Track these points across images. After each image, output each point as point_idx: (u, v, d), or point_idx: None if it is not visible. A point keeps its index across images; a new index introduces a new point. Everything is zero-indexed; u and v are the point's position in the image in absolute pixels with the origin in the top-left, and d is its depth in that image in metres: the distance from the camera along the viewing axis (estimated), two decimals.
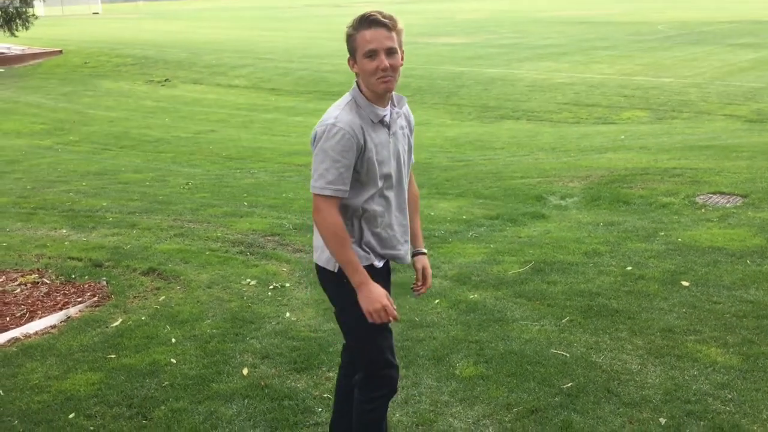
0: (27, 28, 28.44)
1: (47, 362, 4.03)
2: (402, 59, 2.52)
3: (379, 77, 2.46)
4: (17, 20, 27.87)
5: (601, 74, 21.38)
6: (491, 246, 5.91)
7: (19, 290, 5.12)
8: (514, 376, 3.71)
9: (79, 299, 4.94)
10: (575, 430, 3.22)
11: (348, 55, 2.55)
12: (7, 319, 4.66)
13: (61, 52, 30.33)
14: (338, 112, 2.49)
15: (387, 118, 2.58)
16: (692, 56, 24.05)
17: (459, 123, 17.08)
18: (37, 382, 3.81)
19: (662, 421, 3.27)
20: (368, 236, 2.60)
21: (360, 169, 2.50)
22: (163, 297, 4.94)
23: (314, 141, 2.50)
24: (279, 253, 5.87)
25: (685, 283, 4.87)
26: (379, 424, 2.76)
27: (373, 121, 2.52)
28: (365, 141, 2.48)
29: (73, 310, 4.74)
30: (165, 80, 24.58)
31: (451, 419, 3.36)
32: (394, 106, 2.62)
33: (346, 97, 2.57)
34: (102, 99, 21.81)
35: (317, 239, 2.65)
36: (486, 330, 4.27)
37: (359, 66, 2.49)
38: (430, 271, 2.90)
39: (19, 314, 4.72)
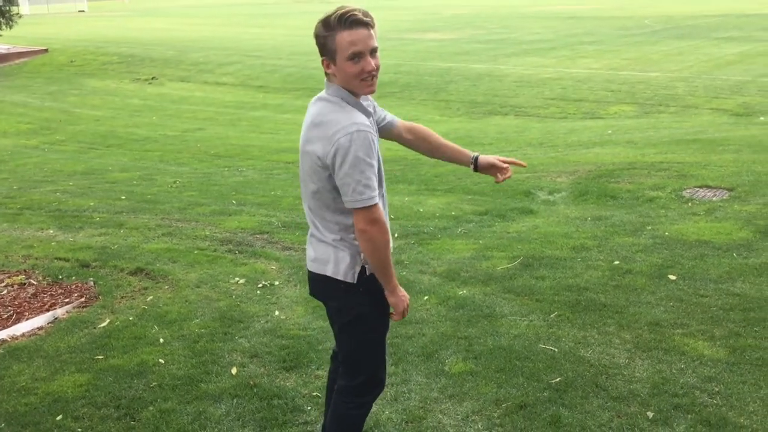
0: (11, 27, 28.21)
1: (34, 364, 4.01)
2: None
3: (363, 79, 2.35)
4: (1, 19, 27.63)
5: (587, 69, 21.45)
6: (480, 242, 5.92)
7: (5, 292, 5.08)
8: (503, 372, 3.72)
9: (66, 300, 4.92)
10: (564, 425, 3.24)
11: (321, 56, 2.40)
12: None
13: (46, 50, 30.11)
14: (349, 116, 2.35)
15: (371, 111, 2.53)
16: (678, 50, 24.16)
17: (447, 119, 17.08)
18: (24, 384, 3.79)
19: (650, 414, 3.29)
20: None
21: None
22: (151, 297, 4.92)
23: (340, 153, 2.31)
24: (268, 252, 5.85)
25: (672, 277, 4.90)
26: (362, 422, 2.78)
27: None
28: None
29: (60, 311, 4.71)
30: (152, 78, 24.45)
31: (440, 416, 3.37)
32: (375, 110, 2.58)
33: (335, 100, 2.41)
34: (88, 98, 21.68)
35: (327, 251, 2.52)
36: (475, 326, 4.28)
37: (339, 68, 2.35)
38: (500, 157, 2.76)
39: (5, 316, 4.69)
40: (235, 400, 3.55)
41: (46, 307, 4.82)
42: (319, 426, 3.31)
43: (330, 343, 4.11)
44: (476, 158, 2.78)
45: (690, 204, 6.76)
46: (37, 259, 5.73)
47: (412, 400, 3.50)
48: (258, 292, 4.98)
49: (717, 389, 3.48)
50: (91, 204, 7.70)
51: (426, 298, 4.73)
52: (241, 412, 3.44)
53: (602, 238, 5.84)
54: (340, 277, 2.52)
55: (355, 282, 2.52)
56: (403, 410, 3.41)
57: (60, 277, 5.32)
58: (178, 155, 12.64)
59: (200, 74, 24.70)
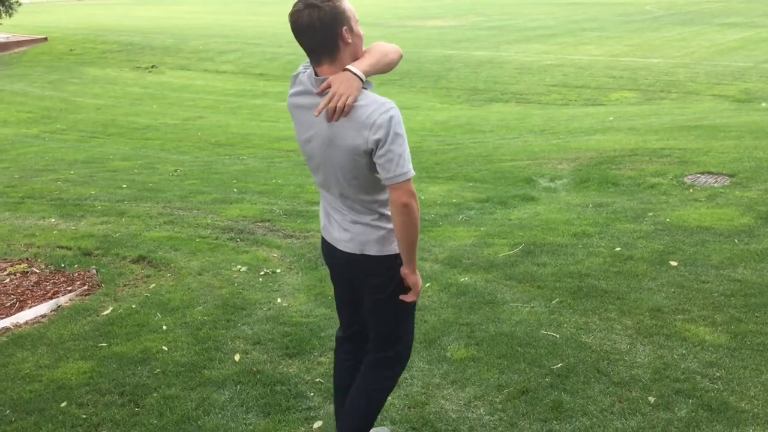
0: (11, 15, 28.10)
1: (38, 351, 4.03)
2: None
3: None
4: (1, 7, 27.53)
5: (589, 56, 21.37)
6: (481, 229, 5.93)
7: (8, 280, 5.10)
8: (505, 358, 3.73)
9: (69, 288, 4.93)
10: (565, 410, 3.25)
11: (339, 30, 2.35)
12: None
13: (46, 39, 30.01)
14: (374, 98, 2.37)
15: None
16: (680, 36, 24.07)
17: (448, 106, 17.04)
18: (28, 371, 3.81)
19: (651, 399, 3.30)
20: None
21: None
22: (154, 285, 4.94)
23: (381, 133, 2.32)
24: (269, 239, 5.86)
25: (674, 263, 4.90)
26: (386, 396, 2.88)
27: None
28: None
29: (63, 299, 4.73)
30: (152, 67, 24.38)
31: (442, 401, 3.38)
32: None
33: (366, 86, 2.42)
34: (88, 86, 21.63)
35: (367, 231, 2.54)
36: (477, 312, 4.29)
37: (356, 33, 2.41)
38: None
39: (8, 304, 4.71)
40: (238, 387, 3.57)
41: (49, 295, 4.83)
42: (322, 411, 3.33)
43: (332, 330, 4.12)
44: None
45: (691, 190, 6.76)
46: (39, 247, 5.74)
47: (414, 386, 3.51)
48: (260, 279, 4.99)
49: (718, 374, 3.49)
50: (93, 192, 7.71)
51: (428, 285, 4.74)
52: (244, 399, 3.46)
53: (603, 224, 5.85)
54: (385, 254, 2.55)
55: (396, 253, 2.55)
56: (405, 396, 3.43)
57: (62, 265, 5.33)
58: (179, 144, 12.63)
59: (200, 62, 24.63)
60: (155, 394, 3.52)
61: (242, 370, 3.72)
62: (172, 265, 5.29)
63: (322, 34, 2.34)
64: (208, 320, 4.33)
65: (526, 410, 3.27)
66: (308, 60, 2.50)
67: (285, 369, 3.73)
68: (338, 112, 2.35)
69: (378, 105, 2.35)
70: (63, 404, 3.47)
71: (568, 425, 3.15)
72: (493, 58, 21.78)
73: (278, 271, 5.14)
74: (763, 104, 14.17)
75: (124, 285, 4.96)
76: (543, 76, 18.98)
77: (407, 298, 2.62)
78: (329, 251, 2.72)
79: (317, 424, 3.24)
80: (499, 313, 4.28)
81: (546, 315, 4.22)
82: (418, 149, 10.23)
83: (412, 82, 19.48)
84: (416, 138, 11.73)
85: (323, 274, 5.03)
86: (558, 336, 3.95)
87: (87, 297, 4.78)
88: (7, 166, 10.16)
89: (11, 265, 5.34)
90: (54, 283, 5.04)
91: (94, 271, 5.20)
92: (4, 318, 4.49)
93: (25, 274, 5.19)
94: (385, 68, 2.52)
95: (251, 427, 3.24)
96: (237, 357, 3.86)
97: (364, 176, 2.45)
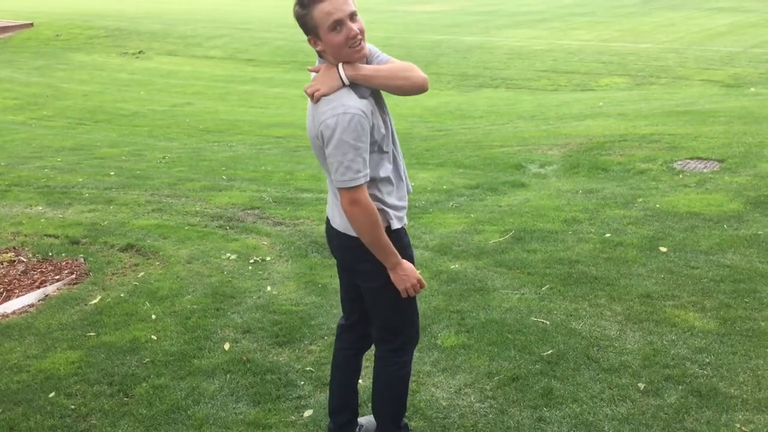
0: None
1: (26, 341, 4.00)
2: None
3: (350, 46, 2.34)
4: None
5: (579, 41, 21.34)
6: (472, 215, 5.92)
7: None
8: (495, 345, 3.74)
9: (57, 277, 4.89)
10: (556, 397, 3.26)
11: (306, 35, 2.39)
12: None
13: (31, 24, 29.66)
14: (339, 97, 2.35)
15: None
16: (670, 21, 24.06)
17: (438, 92, 16.98)
18: (16, 361, 3.78)
19: (641, 386, 3.31)
20: (392, 200, 2.57)
21: (374, 143, 2.43)
22: (142, 273, 4.90)
23: (326, 134, 2.34)
24: (259, 227, 5.83)
25: (663, 249, 4.91)
26: (409, 378, 2.85)
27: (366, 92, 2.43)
28: (372, 115, 2.40)
29: (50, 288, 4.69)
30: (139, 52, 24.16)
31: (433, 389, 3.38)
32: (371, 62, 2.52)
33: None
34: (75, 72, 21.42)
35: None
36: (467, 300, 4.29)
37: (326, 42, 2.35)
38: None
39: None
40: (228, 376, 3.55)
41: (37, 284, 4.80)
42: (312, 400, 3.32)
43: (323, 318, 4.12)
44: None
45: (681, 176, 6.77)
46: (26, 236, 5.69)
47: None
48: (250, 267, 4.96)
49: (707, 360, 3.50)
50: (80, 180, 7.64)
51: (418, 272, 4.72)
52: (234, 388, 3.45)
53: (593, 210, 5.85)
54: None
55: None
56: None
57: (50, 254, 5.29)
58: (167, 130, 12.54)
59: (188, 48, 24.43)
60: (144, 384, 3.51)
61: (232, 359, 3.70)
62: (160, 253, 5.26)
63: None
64: (197, 309, 4.31)
65: (517, 397, 3.28)
66: None
67: (275, 357, 3.72)
68: (309, 98, 2.43)
69: (335, 106, 2.34)
70: (51, 394, 3.44)
71: (558, 412, 3.16)
72: (482, 44, 21.72)
73: (268, 258, 5.12)
74: (752, 89, 14.20)
75: (113, 274, 4.93)
76: (533, 62, 18.95)
77: (401, 292, 2.61)
78: (327, 232, 2.73)
79: (308, 413, 3.23)
80: (490, 300, 4.27)
81: (536, 302, 4.22)
82: (408, 135, 10.20)
83: None
84: (406, 124, 11.68)
85: (313, 262, 5.01)
86: (548, 323, 3.95)
87: (75, 286, 4.74)
88: None
89: None
90: (41, 272, 5.00)
91: (82, 260, 5.16)
92: None
93: (12, 263, 5.15)
94: (391, 89, 2.47)
95: (241, 417, 3.23)
96: (227, 346, 3.85)
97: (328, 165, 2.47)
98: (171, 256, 5.19)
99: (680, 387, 3.29)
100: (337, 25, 2.31)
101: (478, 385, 3.39)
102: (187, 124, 13.09)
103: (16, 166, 8.77)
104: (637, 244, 5.03)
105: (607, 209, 5.86)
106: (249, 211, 6.28)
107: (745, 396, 3.21)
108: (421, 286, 2.62)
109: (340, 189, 2.40)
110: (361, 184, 2.38)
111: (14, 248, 5.44)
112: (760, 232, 5.12)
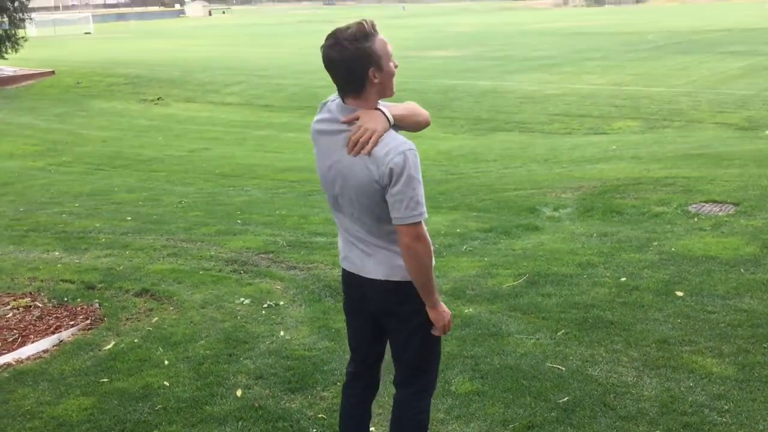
0: (17, 51, 28.47)
1: (39, 387, 4.00)
2: None
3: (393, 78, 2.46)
4: (6, 43, 27.89)
5: (591, 85, 21.48)
6: (485, 259, 5.90)
7: (11, 314, 5.08)
8: (510, 392, 3.69)
9: (72, 323, 4.91)
10: None
11: (365, 69, 2.38)
12: None
13: (53, 72, 30.36)
14: (395, 136, 2.41)
15: None
16: (682, 65, 24.20)
17: (452, 136, 17.11)
18: (29, 408, 3.78)
19: None
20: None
21: None
22: (156, 318, 4.91)
23: (396, 172, 2.36)
24: (273, 271, 5.84)
25: (680, 293, 4.86)
26: (427, 425, 2.84)
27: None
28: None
29: (65, 334, 4.71)
30: (158, 99, 24.62)
31: None
32: None
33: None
34: (95, 119, 21.82)
35: (394, 258, 2.55)
36: (481, 345, 4.25)
37: (386, 72, 2.42)
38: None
39: (11, 339, 4.69)
40: (240, 423, 3.52)
41: (52, 329, 4.81)
42: None
43: (335, 364, 4.09)
44: None
45: (696, 219, 6.73)
46: (42, 281, 5.74)
47: None
48: (263, 312, 4.96)
49: (726, 407, 3.44)
50: (97, 225, 7.72)
51: None
52: None
53: (608, 254, 5.82)
54: (409, 279, 2.55)
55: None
56: None
57: (65, 299, 5.32)
58: (184, 175, 12.68)
59: (206, 94, 24.86)
60: (156, 431, 3.48)
61: (244, 406, 3.68)
62: (174, 298, 5.28)
63: (347, 72, 2.39)
64: (210, 354, 4.30)
65: None
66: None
67: (287, 404, 3.69)
68: (360, 145, 2.39)
69: (397, 144, 2.39)
70: None
71: None
72: (496, 88, 21.92)
73: (281, 303, 5.11)
74: (767, 132, 14.18)
75: (127, 319, 4.94)
76: (546, 106, 19.07)
77: (434, 332, 2.64)
78: (350, 281, 2.71)
79: None
80: (504, 345, 4.24)
81: (551, 347, 4.18)
82: (422, 179, 10.24)
83: None
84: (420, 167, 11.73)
85: (327, 306, 5.00)
86: (564, 369, 3.90)
87: (89, 331, 4.75)
88: (12, 199, 10.20)
89: (14, 299, 5.32)
90: (57, 317, 5.02)
91: (97, 305, 5.18)
92: (6, 353, 4.47)
93: (28, 308, 5.18)
94: (412, 125, 2.56)
95: None
96: (239, 392, 3.83)
97: (381, 208, 2.47)
98: (185, 301, 5.20)
99: None
100: (391, 55, 2.43)
101: None
102: (203, 169, 13.24)
103: (35, 211, 8.88)
104: (653, 289, 4.98)
105: (622, 253, 5.83)
106: (263, 256, 6.30)
107: None
108: (450, 324, 2.68)
109: (403, 226, 2.41)
110: (425, 219, 2.44)
111: (30, 293, 5.47)
112: None
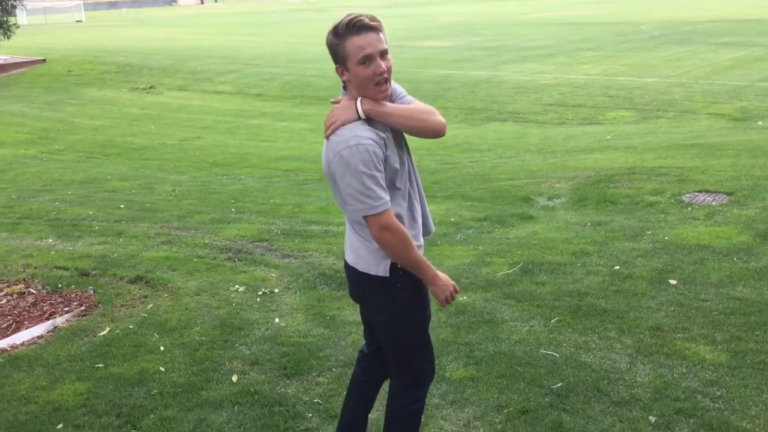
0: (9, 38, 28.26)
1: (34, 373, 4.00)
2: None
3: (376, 83, 2.39)
4: None
5: (585, 75, 21.48)
6: (480, 248, 5.92)
7: (5, 301, 5.08)
8: (504, 378, 3.71)
9: (66, 309, 4.91)
10: (565, 430, 3.23)
11: (335, 63, 2.46)
12: None
13: (44, 60, 30.15)
14: (353, 130, 2.38)
15: None
16: (676, 56, 24.22)
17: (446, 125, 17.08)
18: (24, 392, 3.78)
19: (652, 419, 3.28)
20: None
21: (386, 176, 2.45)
22: (151, 305, 4.91)
23: (343, 165, 2.36)
24: (267, 259, 5.85)
25: (673, 282, 4.89)
26: (422, 414, 2.81)
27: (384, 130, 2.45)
28: (386, 147, 2.43)
29: (60, 320, 4.70)
30: (150, 87, 24.48)
31: (442, 422, 3.36)
32: (394, 101, 2.56)
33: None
34: (86, 107, 21.69)
35: (360, 247, 2.56)
36: (476, 332, 4.27)
37: (353, 73, 2.40)
38: None
39: (5, 325, 4.68)
40: (236, 408, 3.54)
41: (46, 315, 4.81)
42: None
43: (330, 350, 4.11)
44: None
45: (689, 208, 6.76)
46: (36, 268, 5.72)
47: None
48: (258, 299, 4.97)
49: (719, 393, 3.47)
50: (90, 213, 7.70)
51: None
52: (242, 420, 3.43)
53: (602, 243, 5.84)
54: (372, 272, 2.55)
55: (387, 275, 2.54)
56: None
57: (59, 285, 5.31)
58: (177, 164, 12.64)
59: (198, 83, 24.73)
60: (152, 416, 3.49)
61: (240, 391, 3.69)
62: (169, 285, 5.27)
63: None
64: (205, 340, 4.31)
65: (526, 431, 3.25)
66: None
67: (283, 389, 3.71)
68: (325, 129, 2.45)
69: (349, 137, 2.36)
70: (59, 426, 3.43)
71: None
72: (490, 78, 21.90)
73: (276, 290, 5.12)
74: (760, 123, 14.24)
75: (122, 305, 4.94)
76: (540, 96, 19.07)
77: (439, 303, 2.61)
78: (345, 265, 2.75)
79: None
80: (498, 332, 4.26)
81: (545, 334, 4.21)
82: (416, 168, 10.23)
83: None
84: (414, 157, 11.72)
85: (321, 294, 5.01)
86: (557, 355, 3.93)
87: (84, 317, 4.75)
88: (4, 186, 10.16)
89: (8, 286, 5.31)
90: (51, 303, 5.01)
91: (92, 292, 5.18)
92: (0, 339, 4.46)
93: (22, 294, 5.17)
94: (401, 125, 2.49)
95: None
96: (235, 377, 3.84)
97: (341, 196, 2.49)
98: (180, 288, 5.20)
99: (691, 420, 3.26)
100: (367, 59, 2.37)
101: (487, 419, 3.37)
102: (196, 157, 13.20)
103: (27, 199, 8.84)
104: (646, 277, 5.01)
105: (615, 242, 5.86)
106: (257, 244, 6.30)
107: (757, 430, 3.17)
108: (456, 291, 2.64)
109: (367, 217, 2.41)
110: (387, 209, 2.40)
111: (24, 280, 5.46)
112: None
